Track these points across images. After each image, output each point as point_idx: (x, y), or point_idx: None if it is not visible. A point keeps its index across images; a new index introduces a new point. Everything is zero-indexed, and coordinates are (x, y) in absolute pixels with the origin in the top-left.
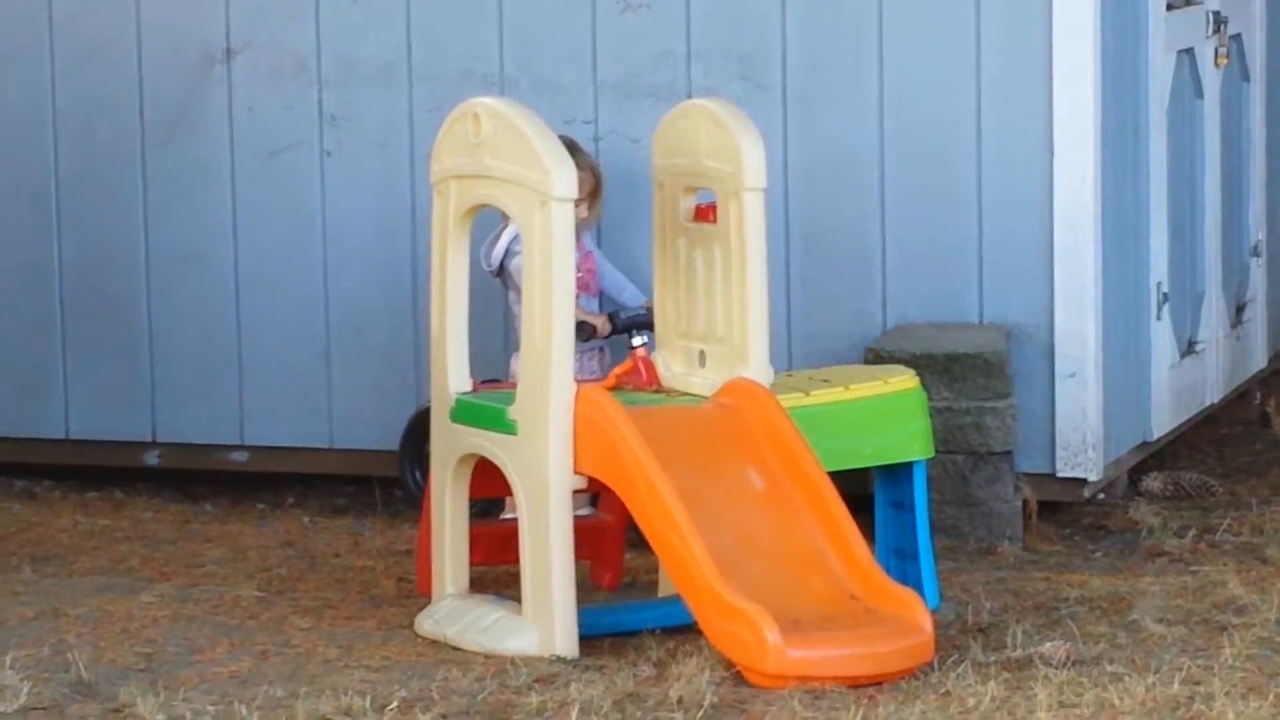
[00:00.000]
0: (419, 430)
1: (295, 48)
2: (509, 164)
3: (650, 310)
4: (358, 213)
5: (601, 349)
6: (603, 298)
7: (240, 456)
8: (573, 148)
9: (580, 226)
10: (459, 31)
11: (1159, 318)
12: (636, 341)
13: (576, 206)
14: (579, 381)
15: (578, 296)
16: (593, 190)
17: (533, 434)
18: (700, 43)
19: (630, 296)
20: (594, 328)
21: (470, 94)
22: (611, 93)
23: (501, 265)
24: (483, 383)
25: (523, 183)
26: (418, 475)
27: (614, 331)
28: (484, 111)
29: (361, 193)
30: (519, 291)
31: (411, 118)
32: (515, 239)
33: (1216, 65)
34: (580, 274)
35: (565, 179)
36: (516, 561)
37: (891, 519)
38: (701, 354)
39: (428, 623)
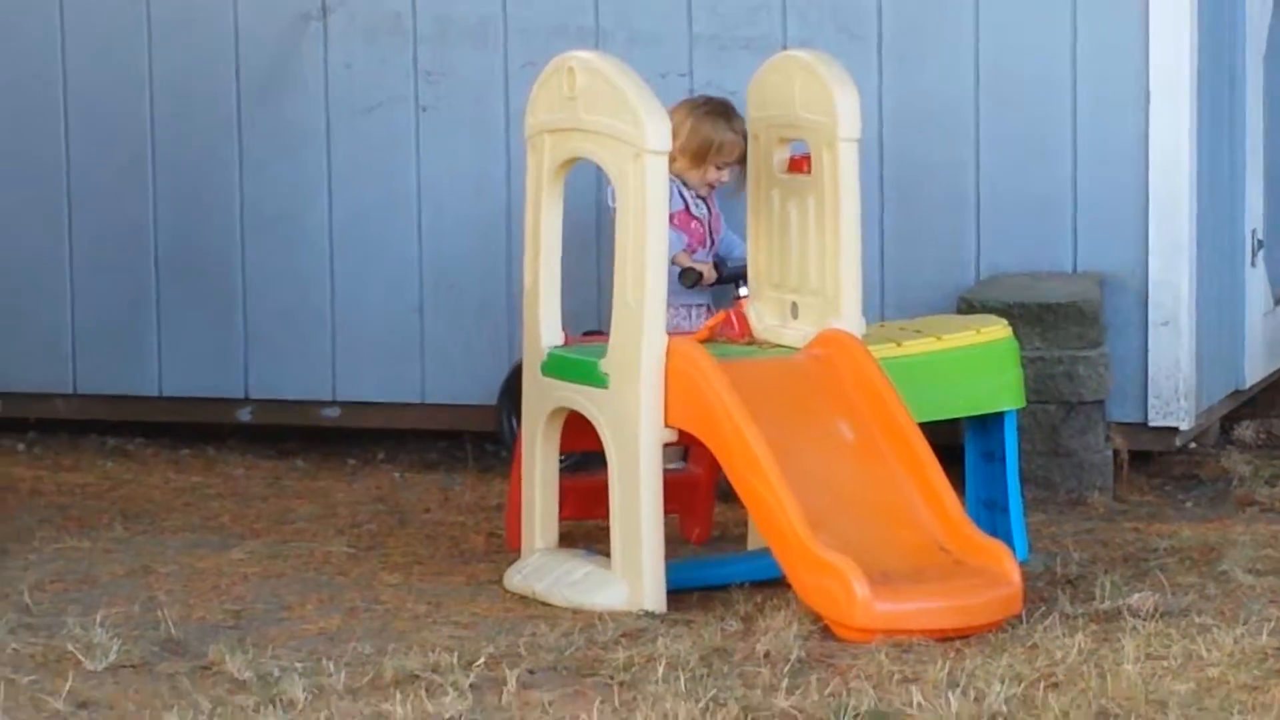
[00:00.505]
0: (517, 383)
1: (390, 4)
2: (603, 117)
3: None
4: (452, 168)
5: (707, 306)
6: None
7: (332, 412)
8: (729, 113)
9: (719, 189)
10: None
11: (1253, 265)
12: (743, 292)
13: (720, 170)
14: (677, 334)
15: (695, 250)
16: (740, 156)
17: (624, 387)
18: None
19: (741, 254)
20: (700, 274)
21: (565, 48)
22: (707, 45)
23: None
24: (584, 334)
25: (617, 135)
26: (514, 427)
27: (720, 280)
28: (578, 65)
29: (456, 148)
30: None
31: (506, 73)
32: None
33: None
34: (704, 230)
35: (659, 131)
36: (606, 515)
37: (982, 470)
38: (794, 305)
39: (516, 578)
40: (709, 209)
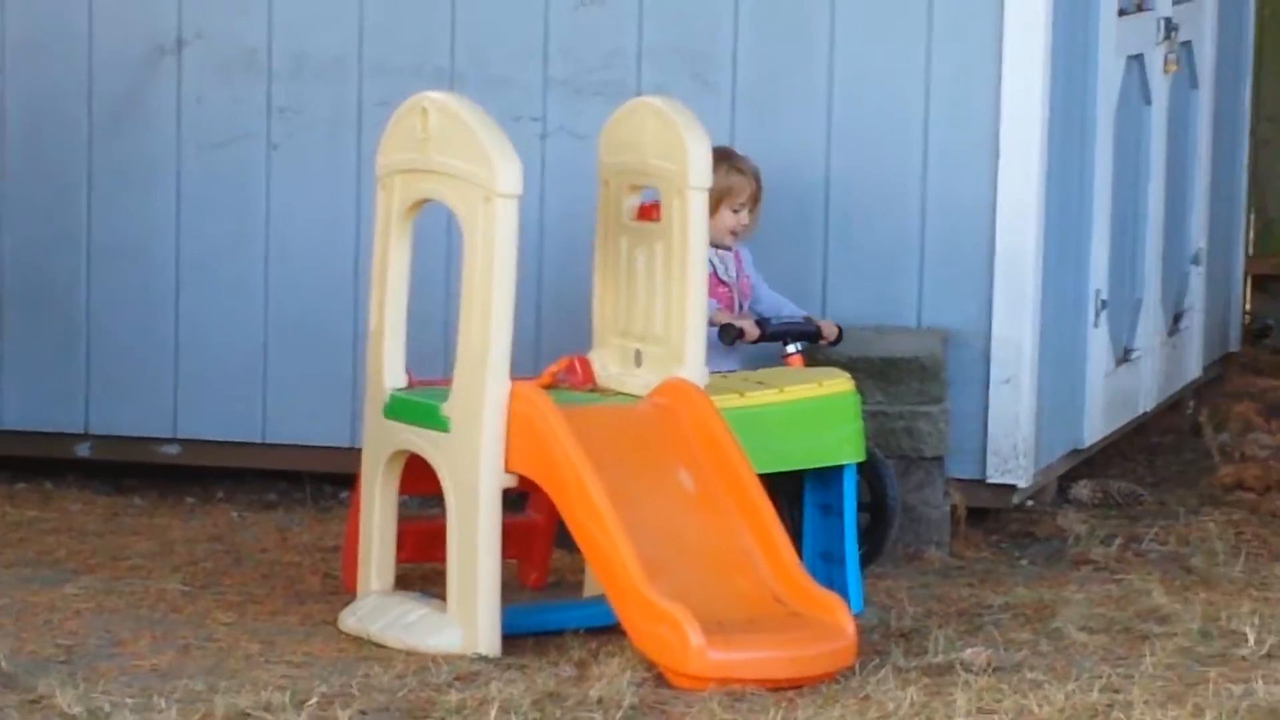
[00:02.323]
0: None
1: (246, 39)
2: (455, 159)
3: (809, 320)
4: (302, 206)
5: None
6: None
7: (172, 449)
8: (730, 155)
9: (742, 234)
10: (410, 26)
11: (1096, 325)
12: (790, 349)
13: (737, 213)
14: (520, 380)
15: (738, 306)
16: (753, 196)
17: (465, 431)
18: (652, 40)
19: (789, 313)
20: (740, 330)
21: (420, 89)
22: (561, 89)
23: None
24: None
25: (468, 178)
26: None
27: (763, 338)
28: (432, 106)
29: (307, 186)
30: None
31: (360, 112)
32: None
33: (1165, 71)
34: (733, 295)
35: (510, 174)
36: (443, 559)
37: (819, 522)
38: (638, 353)
39: (351, 619)
40: (737, 272)
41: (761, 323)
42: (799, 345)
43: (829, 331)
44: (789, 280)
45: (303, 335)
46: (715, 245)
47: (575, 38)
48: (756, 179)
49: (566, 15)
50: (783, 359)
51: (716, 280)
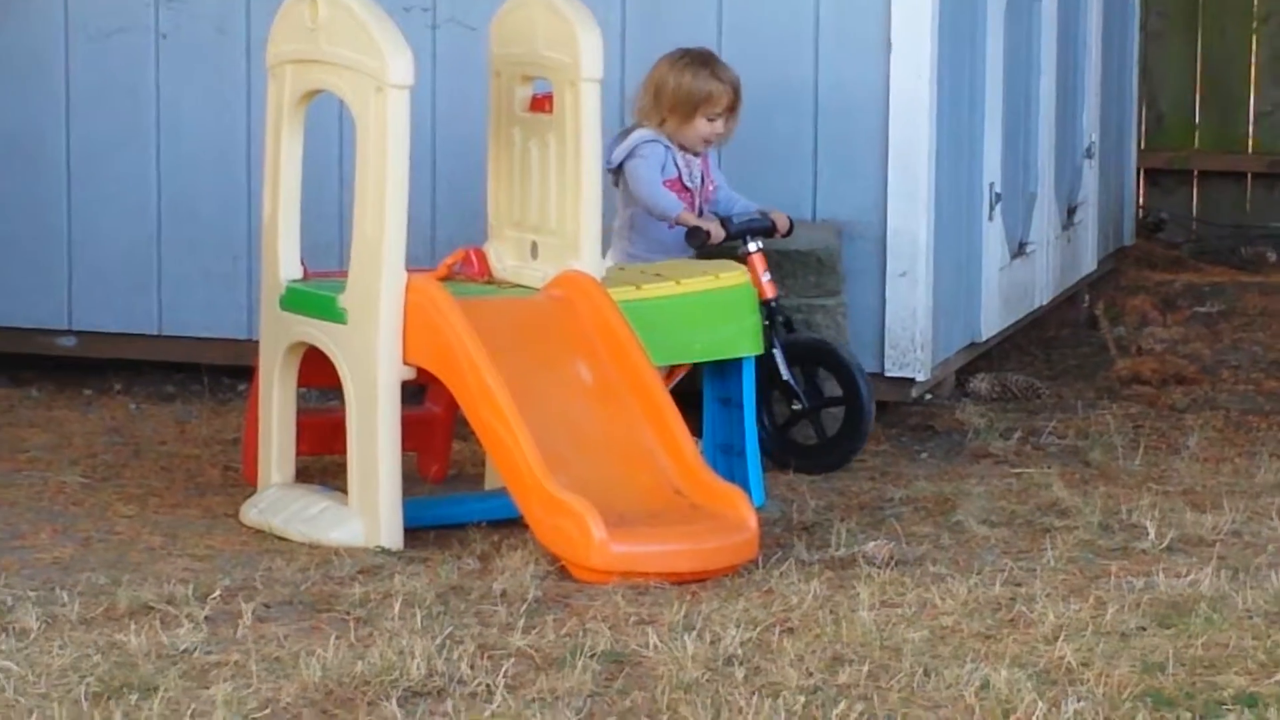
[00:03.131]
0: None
1: None
2: (346, 49)
3: (765, 215)
4: (192, 98)
5: None
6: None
7: (68, 341)
8: (711, 61)
9: (715, 142)
10: None
11: (991, 219)
12: (752, 247)
13: (713, 121)
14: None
15: (699, 212)
16: (729, 105)
17: (362, 323)
18: None
19: (741, 209)
20: (707, 232)
21: None
22: None
23: (620, 165)
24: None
25: (359, 69)
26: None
27: (728, 238)
28: None
29: (196, 78)
30: (630, 195)
31: (248, 2)
32: (644, 142)
33: None
34: (696, 200)
35: (401, 65)
36: (344, 451)
37: (719, 415)
38: (534, 245)
39: (252, 512)
40: (702, 178)
41: (725, 223)
42: (759, 242)
43: (782, 224)
44: None
45: (197, 227)
46: (685, 150)
47: None
48: (735, 88)
49: None
50: (744, 256)
51: (681, 186)
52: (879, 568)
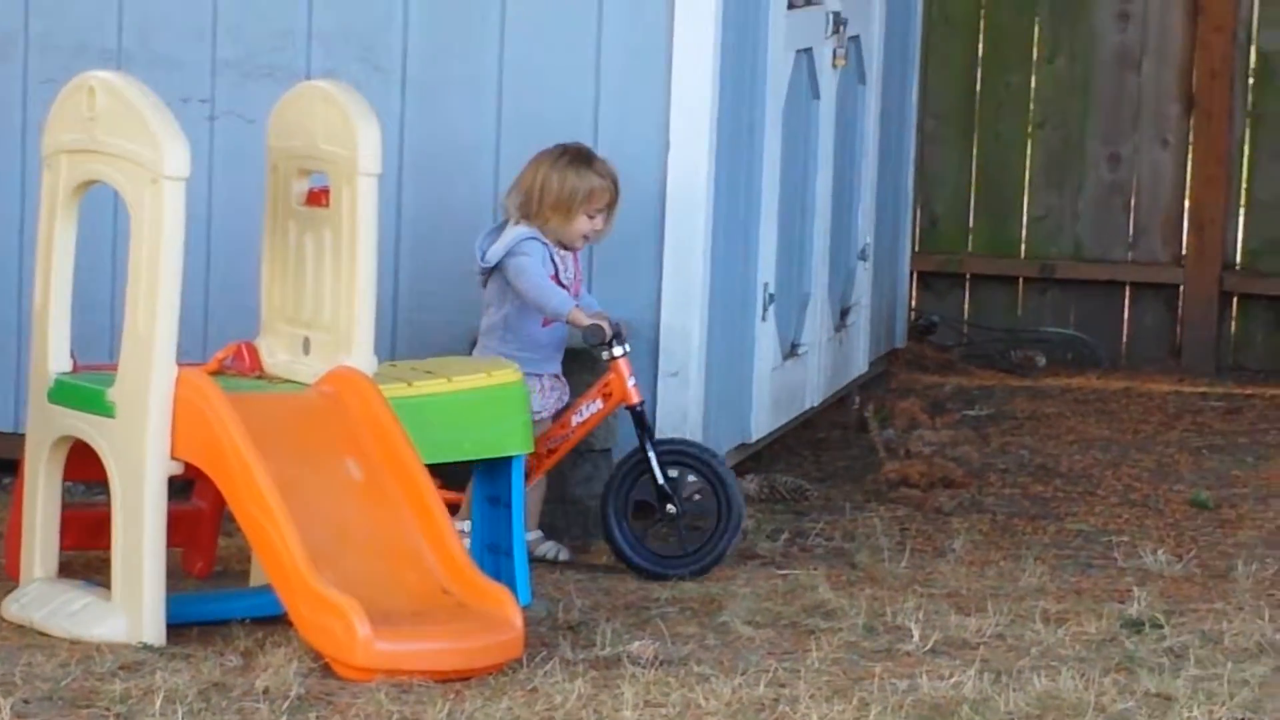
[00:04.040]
0: (623, 482)
1: None
2: (122, 140)
3: (619, 322)
4: None
5: (557, 374)
6: None
7: None
8: (591, 159)
9: (593, 239)
10: (77, 3)
11: (764, 319)
12: (618, 351)
13: (593, 219)
14: (188, 366)
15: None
16: (609, 202)
17: (131, 417)
18: (321, 23)
19: (586, 304)
20: (605, 331)
21: (86, 67)
22: (230, 71)
23: (499, 264)
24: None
25: (135, 159)
26: (623, 530)
27: (617, 335)
28: (99, 85)
29: None
30: (508, 293)
31: (25, 90)
32: (524, 239)
33: (834, 66)
34: (568, 289)
35: (177, 156)
36: (108, 546)
37: (488, 514)
38: (306, 341)
39: (14, 606)
40: (574, 274)
41: (615, 323)
42: (625, 345)
43: (627, 329)
44: (459, 269)
45: None
46: (563, 247)
47: (244, 18)
48: (614, 183)
49: None
50: (610, 360)
51: (557, 283)
52: (644, 667)
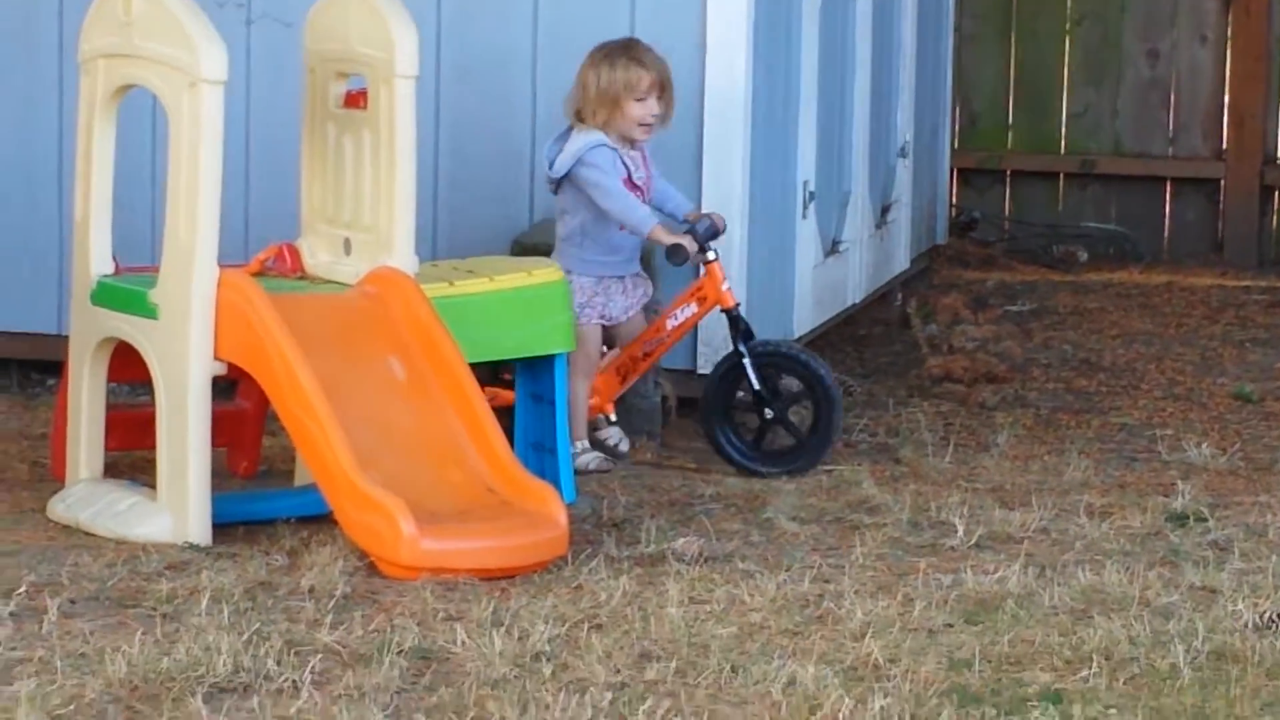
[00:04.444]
0: (719, 385)
1: None
2: (159, 44)
3: (709, 217)
4: (2, 90)
5: (640, 273)
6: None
7: None
8: (630, 47)
9: (655, 125)
10: None
11: (805, 217)
12: (710, 255)
13: (643, 101)
14: (229, 267)
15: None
16: (655, 84)
17: (174, 319)
18: None
19: (675, 205)
20: (687, 252)
21: None
22: None
23: (567, 173)
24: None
25: (172, 64)
26: (725, 432)
27: (700, 245)
28: None
29: (6, 68)
30: (582, 200)
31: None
32: (591, 148)
33: None
34: (645, 197)
35: (215, 60)
36: (153, 446)
37: (531, 412)
38: (347, 241)
39: (60, 507)
40: (646, 172)
41: (693, 235)
42: (713, 251)
43: (721, 223)
44: (498, 172)
45: (7, 220)
46: (627, 140)
47: None
48: (658, 68)
49: None
50: (704, 264)
51: (631, 185)
52: (688, 564)
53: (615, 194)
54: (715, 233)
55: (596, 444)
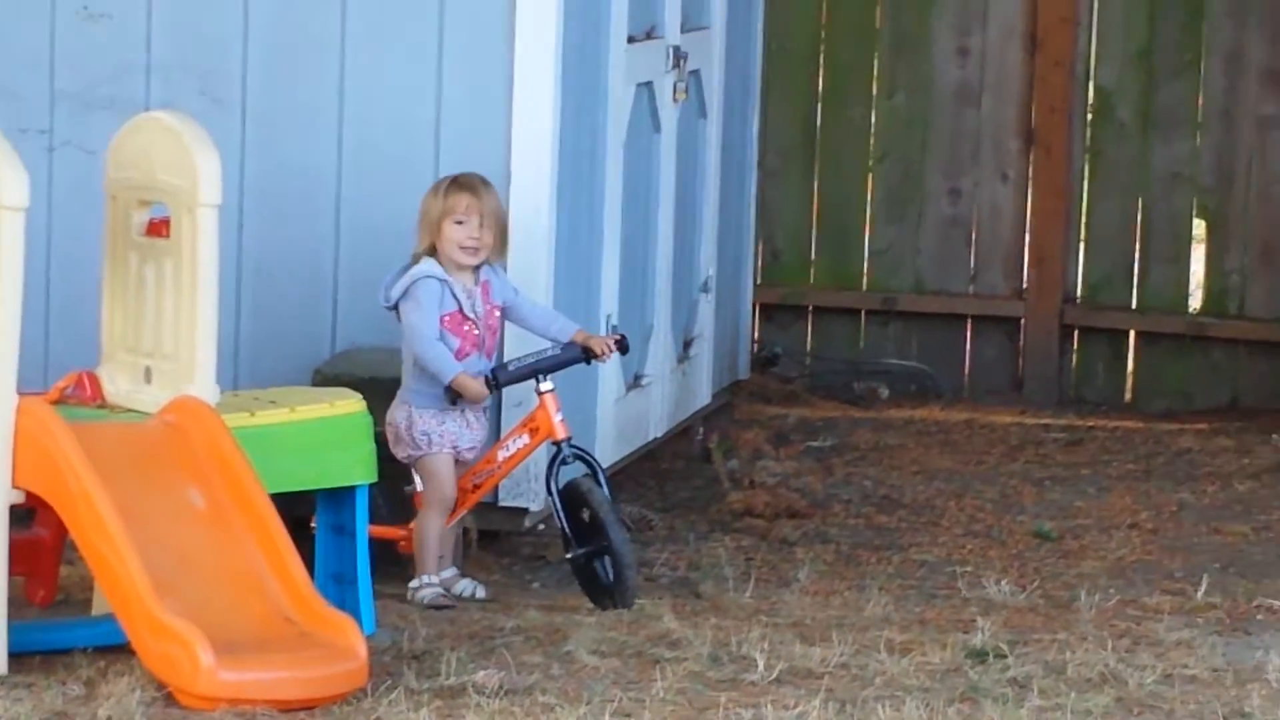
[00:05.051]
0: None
1: None
2: None
3: (571, 343)
4: None
5: (485, 409)
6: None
7: None
8: (459, 176)
9: (483, 250)
10: None
11: None
12: (544, 386)
13: (463, 224)
14: (30, 395)
15: (469, 353)
16: (476, 208)
17: None
18: (161, 55)
19: (560, 329)
20: (457, 394)
21: None
22: (69, 102)
23: (396, 304)
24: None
25: None
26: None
27: (497, 388)
28: None
29: None
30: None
31: None
32: (418, 280)
33: (675, 100)
34: (478, 331)
35: (16, 186)
36: None
37: (332, 543)
38: (148, 370)
39: None
40: (485, 306)
41: (492, 380)
42: (550, 381)
43: (600, 347)
44: (300, 300)
45: None
46: (457, 270)
47: (83, 50)
48: (475, 192)
49: (73, 26)
50: (539, 395)
51: (462, 317)
52: (488, 697)
53: (421, 337)
54: (545, 367)
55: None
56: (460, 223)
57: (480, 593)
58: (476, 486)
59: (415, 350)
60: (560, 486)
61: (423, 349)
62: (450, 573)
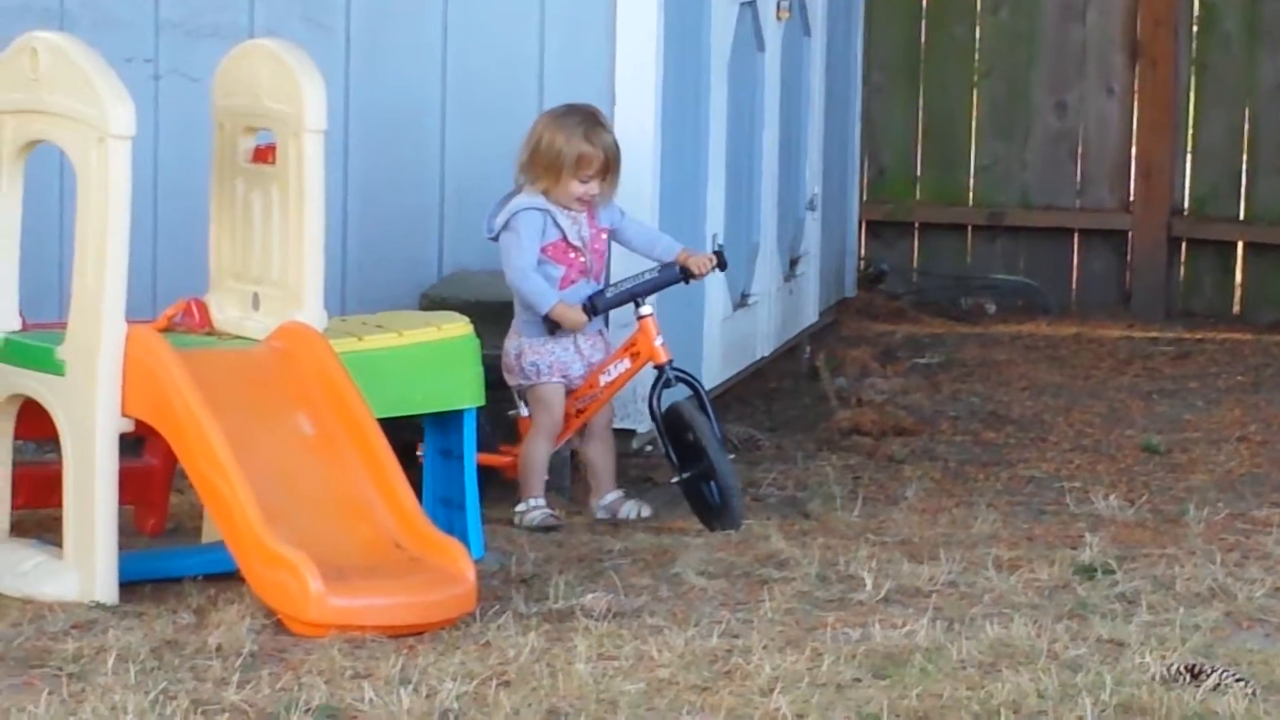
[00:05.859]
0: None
1: None
2: (67, 100)
3: (669, 266)
4: None
5: (600, 330)
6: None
7: None
8: (589, 121)
9: (594, 202)
10: None
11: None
12: (644, 310)
13: (585, 184)
14: (138, 322)
15: (575, 280)
16: (603, 168)
17: (81, 375)
18: None
19: (664, 250)
20: (556, 324)
21: (29, 29)
22: (173, 31)
23: (498, 235)
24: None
25: (80, 119)
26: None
27: (594, 315)
28: (42, 46)
29: None
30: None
31: None
32: (519, 211)
33: (778, 19)
34: (584, 258)
35: (123, 116)
36: (60, 504)
37: (440, 467)
38: (256, 297)
39: None
40: (591, 234)
41: (590, 307)
42: (648, 305)
43: (699, 265)
44: (407, 225)
45: None
46: (564, 207)
47: None
48: (608, 151)
49: None
50: (638, 319)
51: (566, 245)
52: (596, 620)
53: (517, 270)
54: (642, 291)
55: (617, 520)
56: (585, 180)
57: (645, 512)
58: (580, 411)
59: (512, 284)
60: (663, 410)
61: (519, 282)
62: (614, 495)
